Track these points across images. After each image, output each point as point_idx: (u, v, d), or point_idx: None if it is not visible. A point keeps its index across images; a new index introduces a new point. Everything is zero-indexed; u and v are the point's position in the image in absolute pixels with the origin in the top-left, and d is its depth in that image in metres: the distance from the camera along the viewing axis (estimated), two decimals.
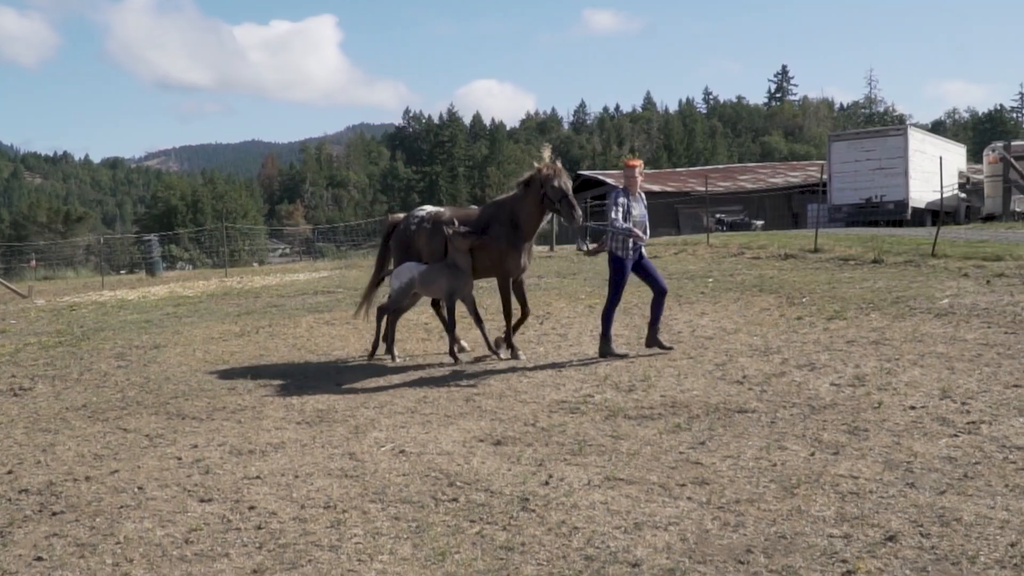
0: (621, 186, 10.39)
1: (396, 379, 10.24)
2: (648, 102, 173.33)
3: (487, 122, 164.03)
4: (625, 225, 9.97)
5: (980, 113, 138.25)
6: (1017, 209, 32.32)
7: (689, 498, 5.92)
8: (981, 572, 4.57)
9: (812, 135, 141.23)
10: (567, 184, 10.57)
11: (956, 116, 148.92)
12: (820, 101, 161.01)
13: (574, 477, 6.49)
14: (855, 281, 14.90)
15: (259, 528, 5.79)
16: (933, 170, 32.74)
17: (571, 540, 5.34)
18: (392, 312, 11.35)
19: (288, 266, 39.92)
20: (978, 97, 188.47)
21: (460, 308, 11.24)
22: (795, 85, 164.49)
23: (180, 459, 7.50)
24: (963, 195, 36.71)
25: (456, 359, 10.87)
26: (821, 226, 29.83)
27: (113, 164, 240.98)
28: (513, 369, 10.31)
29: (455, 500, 6.16)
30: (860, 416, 7.49)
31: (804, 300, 13.34)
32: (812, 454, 6.63)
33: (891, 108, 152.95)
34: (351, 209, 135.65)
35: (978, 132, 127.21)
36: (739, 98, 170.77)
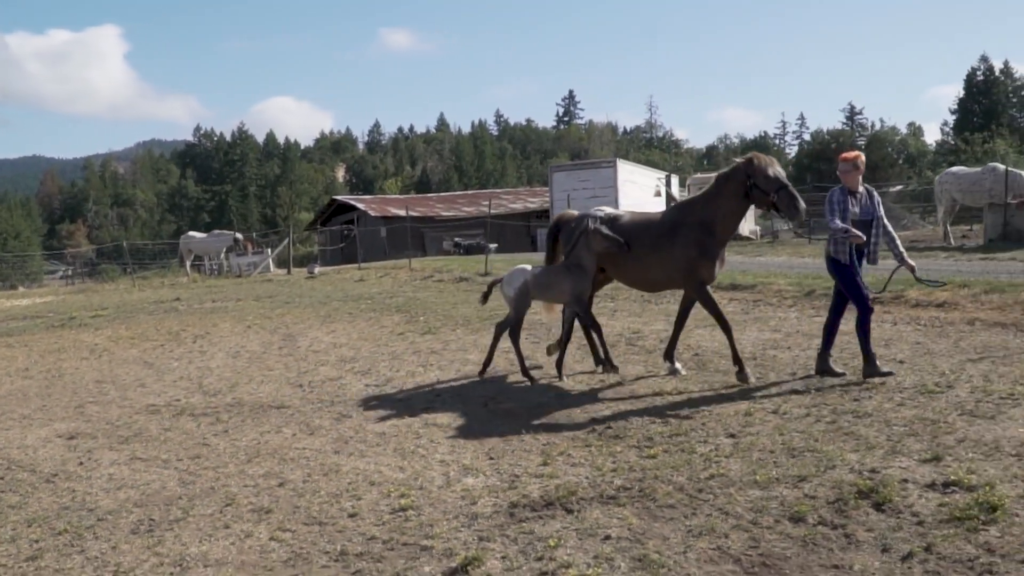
0: (839, 185, 9.24)
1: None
2: (442, 123, 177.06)
3: (281, 140, 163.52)
4: (840, 224, 8.96)
5: (748, 139, 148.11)
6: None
7: (175, 467, 8.14)
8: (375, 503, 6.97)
9: (598, 157, 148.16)
10: (783, 173, 9.64)
11: (727, 141, 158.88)
12: (605, 125, 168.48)
13: (107, 459, 8.61)
14: (476, 302, 17.57)
15: None
16: (643, 198, 36.65)
17: (62, 498, 7.47)
18: (515, 325, 10.55)
19: (25, 291, 40.16)
20: (754, 122, 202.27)
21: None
22: (582, 109, 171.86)
23: None
24: None
25: (610, 367, 10.28)
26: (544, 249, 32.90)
27: None
28: (138, 379, 12.32)
29: (2, 478, 8.19)
30: (350, 406, 9.91)
31: (421, 319, 15.90)
32: (293, 435, 8.97)
33: (669, 133, 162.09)
34: (138, 229, 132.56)
35: None
36: (529, 121, 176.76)
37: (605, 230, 9.82)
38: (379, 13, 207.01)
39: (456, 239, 40.55)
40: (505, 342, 11.04)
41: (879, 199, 9.36)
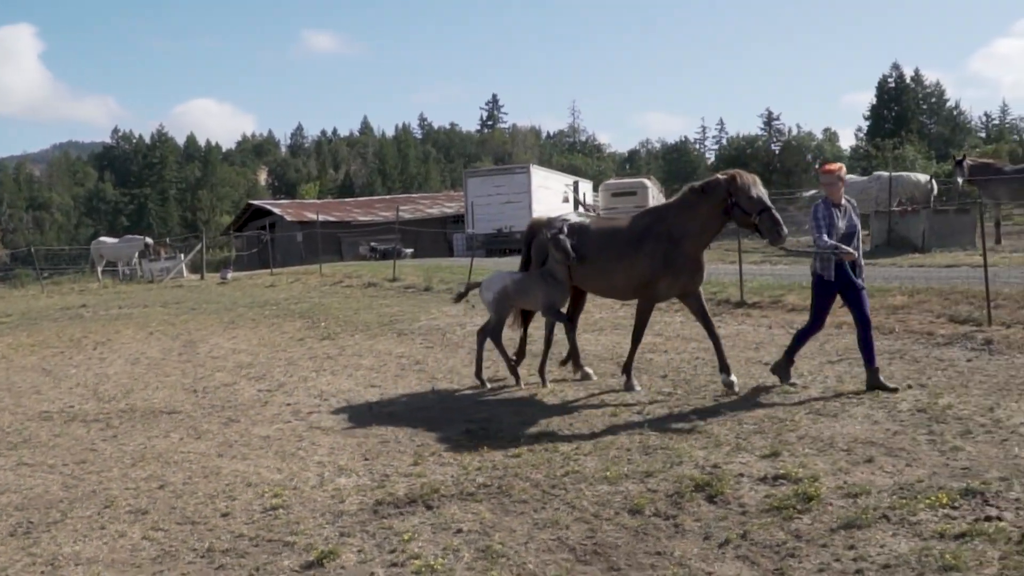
0: (821, 197, 9.08)
1: None
2: (365, 126, 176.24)
3: (202, 143, 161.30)
4: (829, 241, 8.71)
5: (669, 143, 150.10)
6: None
7: (60, 472, 8.33)
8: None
9: (520, 161, 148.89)
10: (765, 194, 9.33)
11: (649, 146, 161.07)
12: (529, 129, 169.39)
13: None
14: (381, 307, 17.99)
15: None
16: (557, 203, 37.21)
17: None
18: (494, 329, 10.54)
19: None
20: (676, 127, 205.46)
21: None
22: (506, 113, 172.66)
23: None
24: None
25: (584, 375, 10.37)
26: (462, 254, 33.31)
27: None
28: (34, 386, 12.41)
29: None
30: (240, 410, 10.18)
31: (322, 324, 16.17)
32: (180, 439, 9.21)
33: (592, 137, 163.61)
34: (54, 233, 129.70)
35: (668, 161, 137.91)
36: (453, 125, 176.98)
37: (561, 239, 9.54)
38: (302, 15, 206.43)
39: (372, 244, 40.73)
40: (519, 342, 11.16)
41: (858, 209, 9.23)
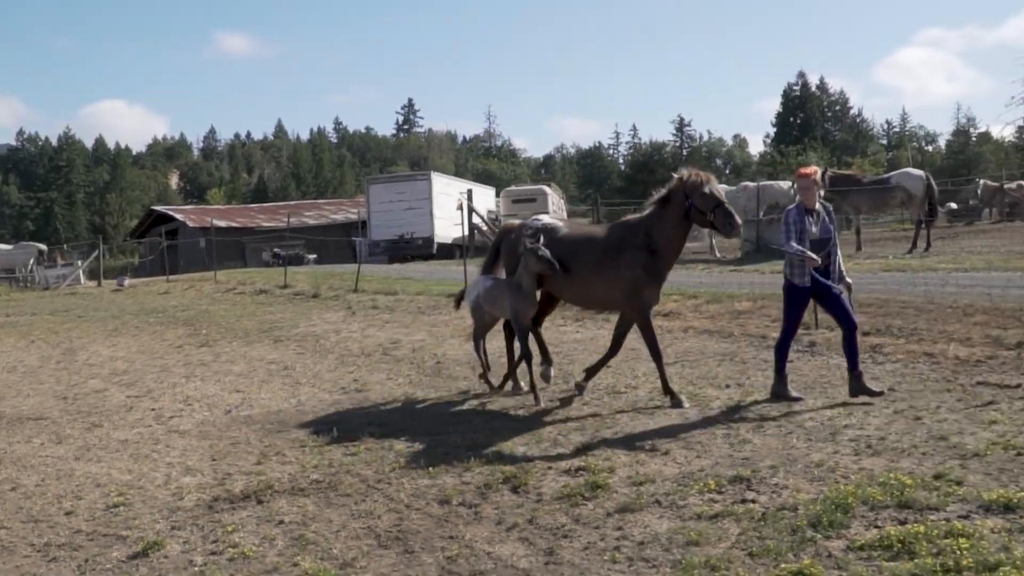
0: (794, 204, 9.05)
1: None
2: (280, 130, 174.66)
3: (111, 145, 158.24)
4: (796, 247, 8.65)
5: (584, 148, 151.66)
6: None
7: None
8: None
9: (436, 166, 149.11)
10: (720, 190, 9.32)
11: (564, 151, 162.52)
12: (444, 134, 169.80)
13: None
14: (265, 313, 18.42)
15: None
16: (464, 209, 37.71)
17: None
18: (477, 333, 10.53)
19: None
20: (591, 132, 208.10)
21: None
22: (422, 118, 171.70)
23: None
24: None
25: (536, 398, 9.68)
26: (365, 260, 33.67)
27: None
28: None
29: None
30: (105, 416, 10.56)
31: (203, 332, 16.54)
32: (41, 444, 9.56)
33: (508, 142, 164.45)
34: None
35: (582, 167, 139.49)
36: (368, 129, 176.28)
37: (541, 251, 9.33)
38: (216, 16, 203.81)
39: (275, 250, 40.86)
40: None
41: (834, 215, 9.18)
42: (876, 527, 5.49)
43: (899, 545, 5.14)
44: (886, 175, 26.05)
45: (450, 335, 14.03)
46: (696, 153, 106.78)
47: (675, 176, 9.32)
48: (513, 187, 49.48)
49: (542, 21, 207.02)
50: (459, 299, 11.35)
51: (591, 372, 9.86)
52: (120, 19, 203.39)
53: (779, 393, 8.94)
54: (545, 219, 10.31)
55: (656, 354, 9.34)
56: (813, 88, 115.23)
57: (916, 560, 4.93)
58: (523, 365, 9.85)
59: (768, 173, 66.62)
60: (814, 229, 8.72)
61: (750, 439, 7.71)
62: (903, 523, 5.51)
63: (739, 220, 9.20)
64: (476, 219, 36.38)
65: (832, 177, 23.02)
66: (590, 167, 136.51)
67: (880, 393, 8.65)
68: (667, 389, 9.19)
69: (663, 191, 9.36)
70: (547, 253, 9.31)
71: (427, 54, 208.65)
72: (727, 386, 9.71)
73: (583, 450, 7.75)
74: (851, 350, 8.80)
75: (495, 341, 11.20)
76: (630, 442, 7.90)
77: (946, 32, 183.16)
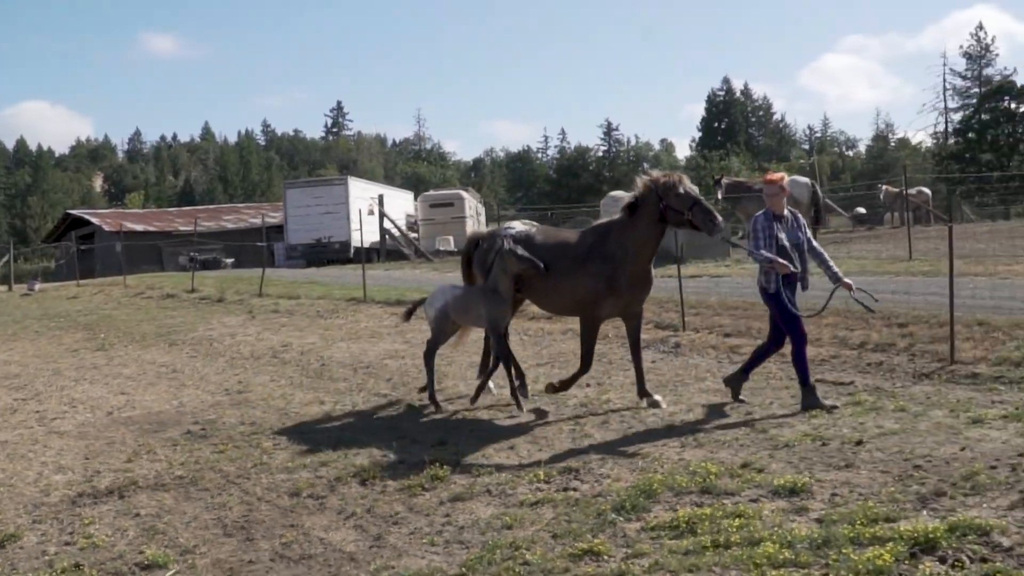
0: (762, 211, 8.91)
1: None
2: (207, 132, 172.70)
3: (33, 147, 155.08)
4: (764, 254, 8.58)
5: (513, 152, 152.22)
6: (441, 248, 38.33)
7: None
8: None
9: (365, 169, 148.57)
10: (694, 188, 9.13)
11: (493, 154, 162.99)
12: (374, 137, 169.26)
13: None
14: (167, 317, 18.64)
15: None
16: (375, 214, 38.06)
17: None
18: (433, 346, 10.03)
19: None
20: (521, 135, 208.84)
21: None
22: (351, 120, 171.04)
23: None
24: (414, 235, 42.48)
25: (519, 405, 9.47)
26: (283, 264, 33.80)
27: None
28: None
29: None
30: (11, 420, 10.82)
31: (101, 336, 16.73)
32: None
33: (438, 145, 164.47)
34: None
35: (511, 170, 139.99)
36: (297, 131, 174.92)
37: (520, 251, 9.18)
38: (141, 16, 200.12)
39: (192, 254, 40.68)
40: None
41: (804, 221, 9.06)
42: (674, 511, 6.05)
43: (684, 525, 5.70)
44: None
45: (340, 338, 14.44)
46: (622, 157, 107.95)
47: (643, 179, 9.17)
48: (431, 192, 49.91)
49: (473, 23, 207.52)
50: (410, 311, 10.79)
51: (641, 391, 9.43)
52: (43, 19, 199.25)
53: (811, 404, 8.46)
54: (518, 225, 10.15)
55: (587, 363, 9.48)
56: (737, 94, 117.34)
57: (696, 538, 5.49)
58: (499, 371, 9.77)
59: (691, 176, 67.91)
60: (783, 235, 8.65)
61: (591, 433, 8.26)
62: (699, 507, 6.08)
63: (720, 218, 9.09)
64: (388, 224, 36.83)
65: (728, 184, 23.85)
66: (519, 171, 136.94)
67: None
68: (558, 388, 9.54)
69: (630, 196, 9.26)
70: (526, 252, 9.18)
71: (356, 56, 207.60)
72: (587, 385, 10.24)
73: (438, 444, 8.25)
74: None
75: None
76: (484, 437, 8.42)
77: (868, 39, 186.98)
